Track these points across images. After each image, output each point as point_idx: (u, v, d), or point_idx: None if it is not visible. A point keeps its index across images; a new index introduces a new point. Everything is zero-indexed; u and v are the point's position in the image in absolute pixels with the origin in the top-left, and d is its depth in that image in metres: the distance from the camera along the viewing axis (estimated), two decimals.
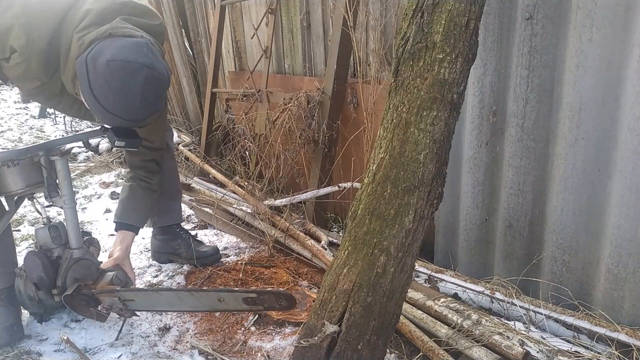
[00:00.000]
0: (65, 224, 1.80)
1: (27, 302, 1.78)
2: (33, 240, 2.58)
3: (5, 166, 1.64)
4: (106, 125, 1.57)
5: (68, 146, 1.79)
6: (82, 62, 1.43)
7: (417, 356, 1.56)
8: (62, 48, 1.53)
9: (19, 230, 2.71)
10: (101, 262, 1.88)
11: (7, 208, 1.74)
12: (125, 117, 1.47)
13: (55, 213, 2.82)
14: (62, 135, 5.31)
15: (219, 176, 3.34)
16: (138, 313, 1.79)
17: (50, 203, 1.78)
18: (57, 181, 1.76)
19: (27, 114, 6.31)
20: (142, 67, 1.41)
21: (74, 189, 1.85)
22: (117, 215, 1.97)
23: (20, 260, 1.80)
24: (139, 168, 1.96)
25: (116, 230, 1.96)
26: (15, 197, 1.74)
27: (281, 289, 1.59)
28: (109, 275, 1.78)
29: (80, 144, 1.86)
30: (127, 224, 1.95)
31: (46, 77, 1.60)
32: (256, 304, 1.61)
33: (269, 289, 1.65)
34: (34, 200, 1.79)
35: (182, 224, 2.42)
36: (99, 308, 1.70)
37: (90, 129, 1.93)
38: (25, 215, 2.91)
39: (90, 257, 1.85)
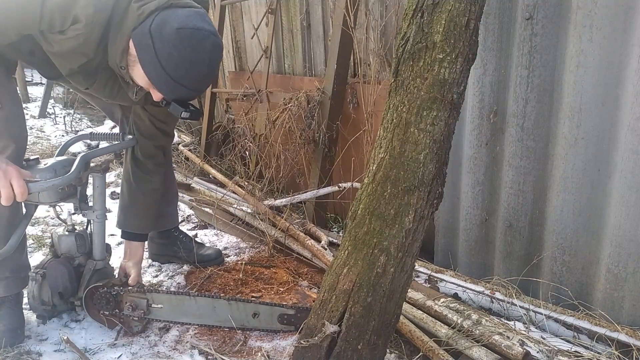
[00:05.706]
0: (91, 234, 1.80)
1: (39, 307, 1.77)
2: (34, 240, 2.58)
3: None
4: (165, 99, 1.50)
5: (102, 159, 1.77)
6: (146, 33, 1.39)
7: (417, 356, 1.56)
8: (115, 18, 1.46)
9: None
10: (113, 267, 1.90)
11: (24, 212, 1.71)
12: (191, 86, 1.45)
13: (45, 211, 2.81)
14: (62, 135, 5.30)
15: (219, 176, 3.34)
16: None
17: (78, 213, 1.78)
18: (92, 195, 1.76)
19: (27, 114, 6.31)
20: (210, 35, 1.42)
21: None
22: (125, 223, 1.93)
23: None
24: (149, 157, 1.88)
25: (123, 237, 1.96)
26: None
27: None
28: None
29: (64, 132, 1.83)
30: (135, 234, 1.94)
31: (94, 52, 1.52)
32: (290, 323, 1.64)
33: (308, 305, 1.66)
34: (56, 206, 1.77)
35: (182, 224, 2.41)
36: (126, 306, 1.70)
37: (92, 131, 1.89)
38: None
39: (110, 267, 1.88)
